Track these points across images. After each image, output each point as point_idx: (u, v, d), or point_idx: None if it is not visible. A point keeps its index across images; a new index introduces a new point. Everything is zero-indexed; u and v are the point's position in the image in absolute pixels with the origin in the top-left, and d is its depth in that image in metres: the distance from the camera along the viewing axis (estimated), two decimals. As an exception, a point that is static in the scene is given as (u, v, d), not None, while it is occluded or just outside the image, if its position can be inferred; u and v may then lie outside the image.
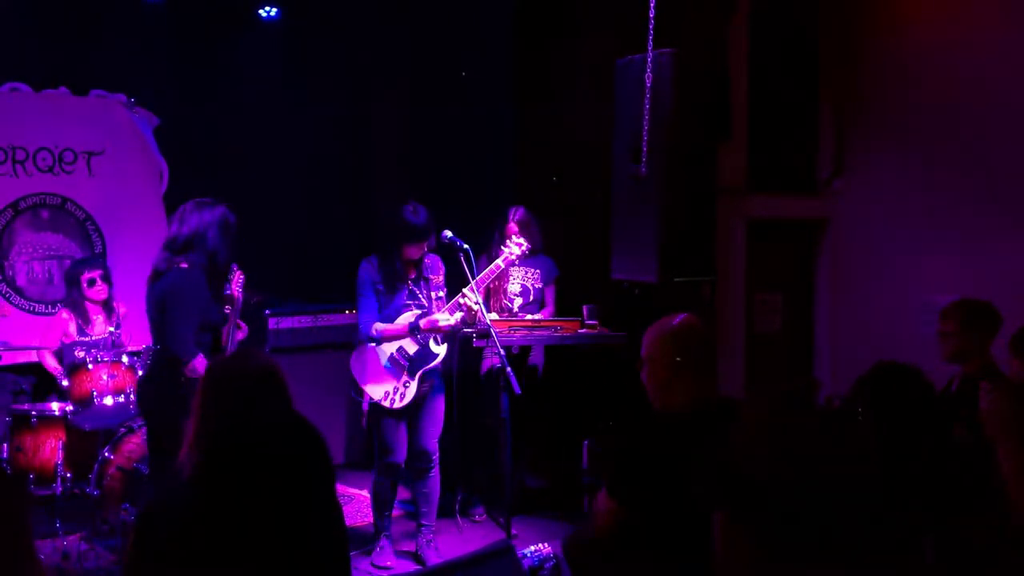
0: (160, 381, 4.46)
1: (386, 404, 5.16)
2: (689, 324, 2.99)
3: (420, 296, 5.22)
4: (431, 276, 5.26)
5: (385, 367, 5.17)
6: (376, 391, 5.17)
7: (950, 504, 2.63)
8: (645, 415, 3.02)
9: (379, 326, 5.15)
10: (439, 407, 5.29)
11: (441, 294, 5.25)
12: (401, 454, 5.25)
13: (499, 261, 5.31)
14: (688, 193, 5.05)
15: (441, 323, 5.08)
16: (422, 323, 5.08)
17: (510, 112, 7.53)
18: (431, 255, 5.30)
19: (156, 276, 4.47)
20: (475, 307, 5.09)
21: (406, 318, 5.16)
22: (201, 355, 4.37)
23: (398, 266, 5.14)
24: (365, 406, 5.35)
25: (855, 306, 6.05)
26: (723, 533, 1.61)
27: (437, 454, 5.30)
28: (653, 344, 2.98)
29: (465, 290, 5.11)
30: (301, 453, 2.03)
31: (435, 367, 5.21)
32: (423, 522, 5.35)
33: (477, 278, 5.13)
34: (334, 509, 2.11)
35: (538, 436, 6.49)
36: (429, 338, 5.16)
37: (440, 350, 5.20)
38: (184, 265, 4.39)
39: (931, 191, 5.55)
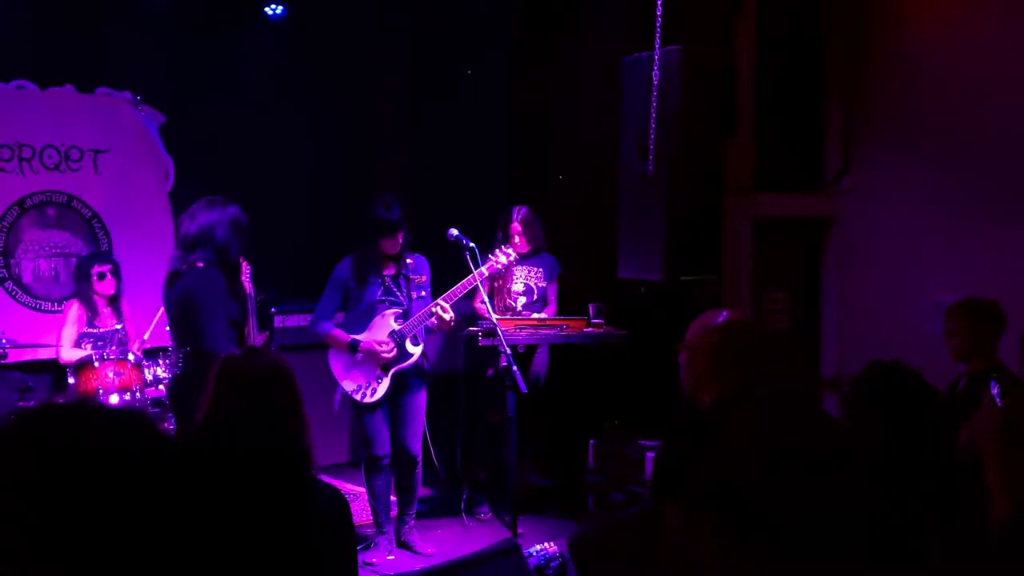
0: (196, 381, 4.45)
1: (357, 398, 5.24)
2: (730, 324, 2.98)
3: (397, 294, 5.25)
4: (413, 276, 5.27)
5: (359, 361, 5.22)
6: (349, 384, 5.26)
7: (952, 505, 2.63)
8: (677, 416, 3.03)
9: (328, 328, 5.25)
10: (419, 407, 5.33)
11: (423, 294, 5.27)
12: (383, 446, 5.29)
13: (483, 268, 5.30)
14: (695, 191, 5.05)
15: (379, 349, 5.15)
16: (361, 343, 5.16)
17: (513, 110, 7.53)
18: (416, 256, 5.33)
19: (175, 277, 4.48)
20: (447, 316, 5.13)
21: (380, 323, 5.20)
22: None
23: (372, 261, 5.19)
24: (336, 399, 5.41)
25: (862, 305, 6.03)
26: (711, 536, 1.60)
27: (418, 452, 5.36)
28: (696, 336, 2.99)
29: (441, 300, 5.15)
30: (264, 457, 2.02)
31: (408, 367, 5.24)
32: (407, 511, 5.45)
33: (452, 289, 5.20)
34: (342, 503, 2.11)
35: (543, 435, 6.49)
36: (406, 338, 5.18)
37: (415, 350, 5.24)
38: (200, 264, 4.40)
39: (939, 190, 5.53)
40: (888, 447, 2.62)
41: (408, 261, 5.27)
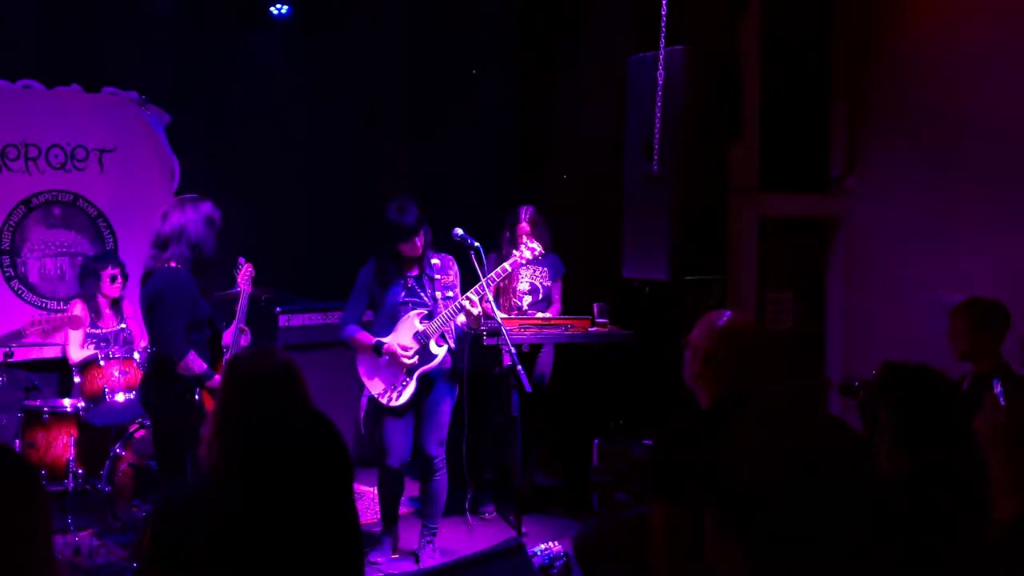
0: (157, 381, 4.49)
1: (384, 401, 5.20)
2: (730, 327, 2.97)
3: (422, 295, 5.22)
4: (439, 275, 5.24)
5: (386, 364, 5.20)
6: (376, 386, 5.23)
7: (961, 502, 2.63)
8: (676, 414, 3.04)
9: (354, 331, 5.24)
10: (443, 410, 5.28)
11: (450, 294, 5.23)
12: (397, 457, 5.24)
13: (507, 264, 5.31)
14: (700, 191, 5.04)
15: (400, 353, 5.12)
16: (384, 345, 5.14)
17: (516, 109, 7.53)
18: (442, 255, 5.30)
19: (147, 276, 4.51)
20: (475, 311, 5.08)
21: (405, 324, 5.18)
22: (193, 352, 4.38)
23: (391, 264, 5.18)
24: (363, 402, 5.39)
25: (867, 305, 6.04)
26: (711, 534, 1.61)
27: (441, 459, 5.29)
28: (696, 337, 3.00)
29: (469, 293, 5.11)
30: (321, 450, 2.03)
31: (433, 369, 5.20)
32: (425, 523, 5.37)
33: (483, 280, 5.09)
34: (351, 506, 2.12)
35: (548, 434, 6.50)
36: (429, 339, 5.17)
37: (439, 351, 5.20)
38: (172, 264, 4.41)
39: (944, 189, 5.53)
40: (908, 448, 2.61)
41: (434, 261, 5.24)
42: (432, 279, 5.24)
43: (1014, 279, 4.88)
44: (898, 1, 5.86)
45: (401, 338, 5.18)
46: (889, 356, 2.94)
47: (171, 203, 4.59)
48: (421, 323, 5.19)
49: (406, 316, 5.19)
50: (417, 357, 5.16)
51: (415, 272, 5.23)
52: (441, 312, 5.17)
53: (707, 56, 5.02)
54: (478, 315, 5.11)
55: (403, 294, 5.21)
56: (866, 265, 6.04)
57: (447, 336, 5.24)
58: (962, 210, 5.42)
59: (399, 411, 5.21)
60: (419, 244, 5.13)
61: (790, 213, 6.16)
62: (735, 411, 2.67)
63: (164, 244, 4.44)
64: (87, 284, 5.99)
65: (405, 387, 5.18)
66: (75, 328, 5.49)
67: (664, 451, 2.88)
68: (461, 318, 5.17)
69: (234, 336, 4.95)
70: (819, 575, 1.51)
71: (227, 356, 4.75)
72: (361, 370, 5.28)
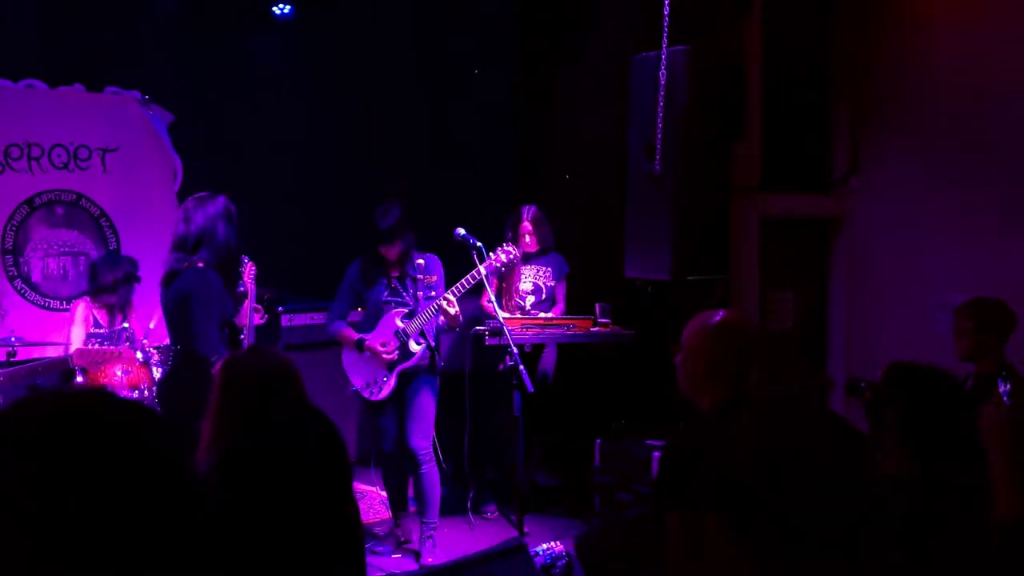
0: (183, 381, 4.46)
1: (366, 395, 5.34)
2: (727, 325, 2.92)
3: (404, 294, 5.32)
4: (422, 275, 5.29)
5: (367, 360, 5.31)
6: (358, 381, 5.38)
7: (964, 502, 2.63)
8: (682, 420, 2.99)
9: (340, 328, 5.40)
10: (424, 404, 5.33)
11: (432, 294, 5.29)
12: (390, 441, 5.39)
13: (481, 267, 5.19)
14: (702, 191, 5.05)
15: (380, 350, 5.23)
16: (366, 342, 5.27)
17: (518, 109, 7.53)
18: (428, 255, 5.35)
19: (171, 276, 4.46)
20: (452, 311, 5.16)
21: (386, 322, 5.29)
22: (227, 355, 4.37)
23: (376, 264, 5.32)
24: (349, 391, 5.47)
25: (869, 305, 6.04)
26: (715, 536, 1.61)
27: (427, 452, 5.34)
28: (692, 339, 2.90)
29: (447, 293, 5.18)
30: (320, 450, 2.04)
31: (412, 365, 5.27)
32: (423, 519, 5.41)
33: (455, 285, 5.19)
34: (352, 505, 2.12)
35: (550, 434, 6.49)
36: (408, 338, 5.25)
37: (417, 349, 5.27)
38: (200, 264, 4.40)
39: (947, 190, 5.53)
40: (913, 448, 2.61)
41: (419, 261, 5.30)
42: (415, 279, 5.31)
43: (1017, 279, 4.87)
44: (900, 2, 5.85)
45: (382, 336, 5.26)
46: (891, 356, 2.94)
47: (189, 204, 4.54)
48: (401, 322, 5.28)
49: (388, 315, 5.30)
50: (397, 354, 5.24)
51: (397, 272, 5.34)
52: (422, 311, 5.23)
53: (710, 56, 5.02)
54: (455, 314, 5.20)
55: (386, 293, 5.33)
56: (868, 265, 6.04)
57: (427, 334, 5.29)
58: (965, 210, 5.42)
59: (383, 405, 5.34)
60: (397, 248, 5.22)
61: (792, 213, 6.16)
62: (736, 412, 2.65)
63: (193, 245, 4.41)
64: (123, 291, 5.90)
65: (386, 383, 5.29)
66: (125, 365, 5.41)
67: (670, 461, 2.85)
68: (417, 346, 5.28)
69: (248, 320, 4.99)
70: (821, 575, 1.51)
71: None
72: (346, 365, 5.42)
